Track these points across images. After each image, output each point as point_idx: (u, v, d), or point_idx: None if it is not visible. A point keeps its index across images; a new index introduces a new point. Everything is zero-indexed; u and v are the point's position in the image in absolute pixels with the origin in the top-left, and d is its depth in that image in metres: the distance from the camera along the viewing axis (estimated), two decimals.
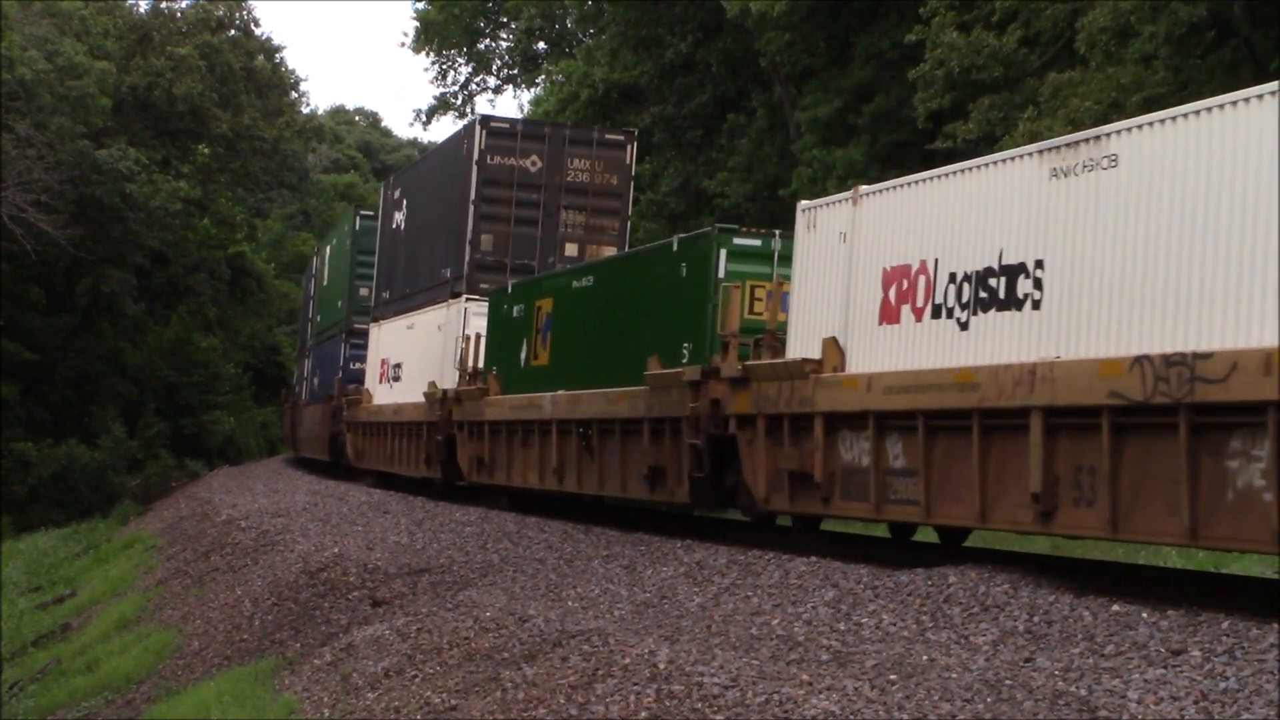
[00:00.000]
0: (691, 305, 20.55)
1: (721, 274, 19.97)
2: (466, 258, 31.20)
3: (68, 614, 32.91)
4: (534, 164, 31.58)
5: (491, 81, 61.48)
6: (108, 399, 61.38)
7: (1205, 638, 10.63)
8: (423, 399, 31.58)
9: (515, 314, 27.20)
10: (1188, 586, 13.29)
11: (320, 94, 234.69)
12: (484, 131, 31.72)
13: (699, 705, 10.77)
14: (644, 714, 11.04)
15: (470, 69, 61.18)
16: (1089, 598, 12.28)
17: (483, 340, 28.95)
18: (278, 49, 71.58)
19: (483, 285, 30.73)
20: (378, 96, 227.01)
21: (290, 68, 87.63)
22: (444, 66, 60.84)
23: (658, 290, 21.74)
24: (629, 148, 32.50)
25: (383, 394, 37.41)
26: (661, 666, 11.83)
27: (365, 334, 40.94)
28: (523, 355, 26.62)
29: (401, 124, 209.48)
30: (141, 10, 66.28)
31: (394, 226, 38.57)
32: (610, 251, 30.96)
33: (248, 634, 21.06)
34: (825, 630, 13.05)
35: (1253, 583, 14.26)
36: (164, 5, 65.48)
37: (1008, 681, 10.33)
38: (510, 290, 27.81)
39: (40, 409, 57.63)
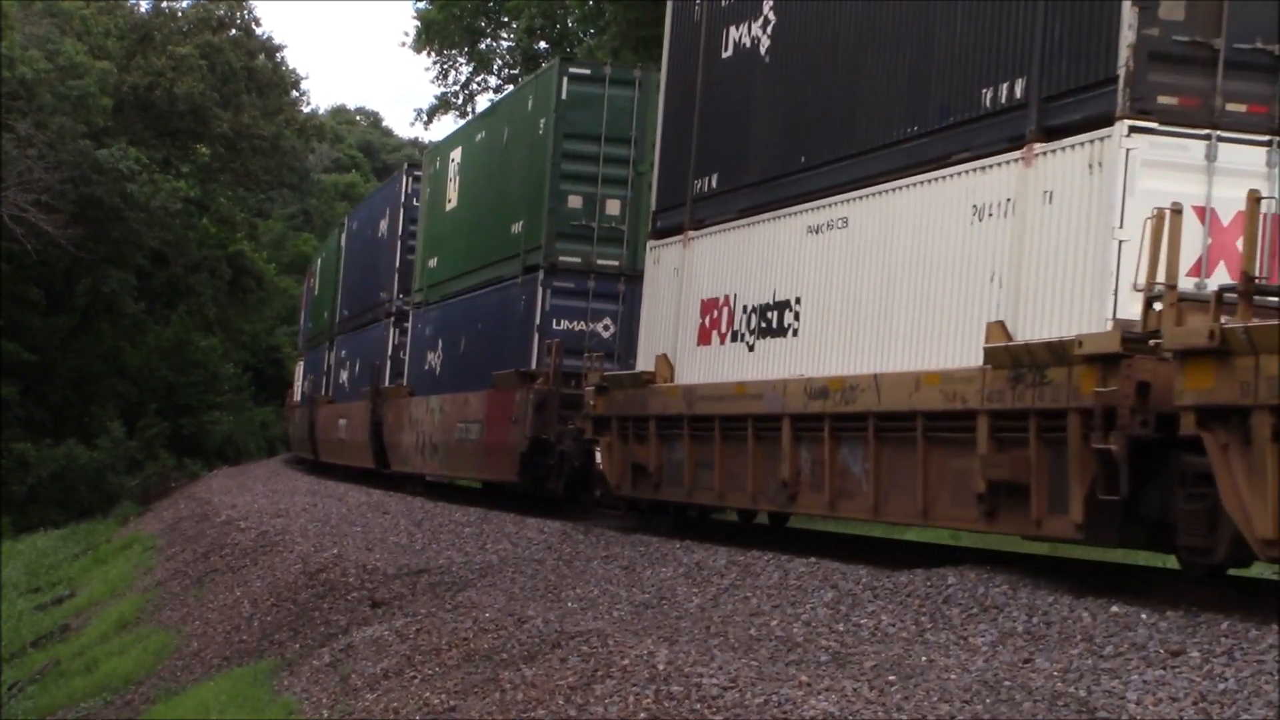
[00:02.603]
0: None
1: None
2: (1131, 38, 13.25)
3: (67, 615, 32.91)
4: None
5: (492, 81, 61.48)
6: (107, 399, 61.41)
7: (1204, 639, 10.62)
8: (978, 364, 14.57)
9: None
10: (1187, 587, 13.28)
11: (321, 94, 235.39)
12: None
13: (698, 706, 10.76)
14: (643, 715, 11.04)
15: (471, 69, 61.16)
16: (1088, 598, 12.27)
17: (1271, 206, 12.36)
18: (278, 48, 71.86)
19: (1177, 101, 13.44)
20: (378, 96, 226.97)
21: (290, 67, 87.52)
22: (444, 66, 60.75)
23: None
24: None
25: (717, 361, 20.49)
26: (660, 667, 11.82)
27: (584, 273, 27.30)
28: None
29: (402, 124, 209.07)
30: (142, 10, 66.49)
31: (730, 56, 21.05)
32: None
33: (247, 635, 21.06)
34: (824, 631, 13.04)
35: (1253, 583, 14.25)
36: (165, 5, 65.65)
37: (1007, 682, 10.33)
38: None
39: (40, 409, 57.67)
